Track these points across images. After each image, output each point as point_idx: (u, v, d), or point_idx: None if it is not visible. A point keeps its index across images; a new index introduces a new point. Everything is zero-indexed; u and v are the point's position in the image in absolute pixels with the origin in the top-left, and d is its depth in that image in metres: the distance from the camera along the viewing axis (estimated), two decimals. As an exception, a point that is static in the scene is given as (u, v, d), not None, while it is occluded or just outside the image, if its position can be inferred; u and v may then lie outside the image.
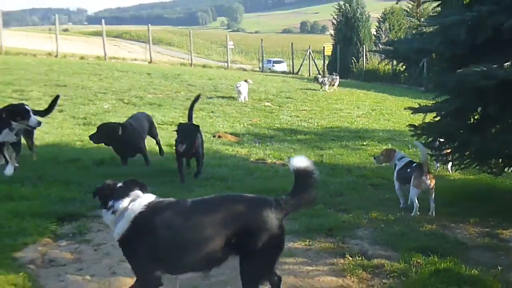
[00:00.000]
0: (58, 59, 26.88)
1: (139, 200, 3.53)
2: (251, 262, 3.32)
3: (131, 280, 4.25)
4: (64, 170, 7.69)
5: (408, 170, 6.61)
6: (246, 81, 17.85)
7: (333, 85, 23.05)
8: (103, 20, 38.02)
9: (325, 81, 22.94)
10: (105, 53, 30.30)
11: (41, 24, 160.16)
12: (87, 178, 7.30)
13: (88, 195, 6.47)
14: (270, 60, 49.44)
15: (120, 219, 3.47)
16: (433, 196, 6.50)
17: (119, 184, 3.67)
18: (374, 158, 7.68)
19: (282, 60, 51.43)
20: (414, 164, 6.72)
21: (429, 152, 7.82)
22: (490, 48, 5.57)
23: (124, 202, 3.50)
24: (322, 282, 4.41)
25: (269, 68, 44.88)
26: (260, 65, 42.62)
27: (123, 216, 3.47)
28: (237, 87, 17.12)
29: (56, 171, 7.52)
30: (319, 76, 25.35)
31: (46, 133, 10.52)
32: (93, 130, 10.98)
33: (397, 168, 6.87)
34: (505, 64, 5.21)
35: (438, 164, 9.24)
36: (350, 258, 4.83)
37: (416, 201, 6.46)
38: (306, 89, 22.20)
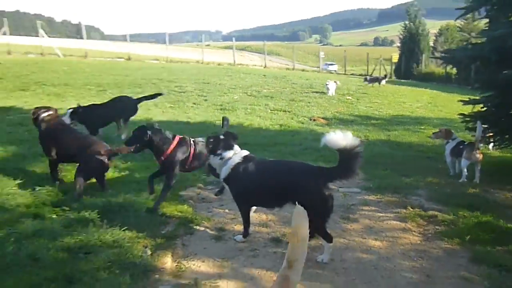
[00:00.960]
0: (204, 65, 27.90)
1: (239, 154, 3.78)
2: None
3: (256, 215, 4.42)
4: (209, 139, 8.02)
5: (461, 146, 6.24)
6: (335, 82, 17.34)
7: (380, 83, 21.73)
8: (233, 38, 39.05)
9: (369, 80, 21.88)
10: (234, 61, 31.01)
11: (192, 41, 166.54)
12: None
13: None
14: (326, 63, 48.73)
15: (224, 165, 3.74)
16: (480, 167, 6.10)
17: (221, 137, 3.90)
18: (433, 133, 7.20)
19: (334, 63, 50.89)
20: (466, 142, 6.34)
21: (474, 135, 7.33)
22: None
23: (229, 153, 3.76)
24: (389, 224, 4.34)
25: (325, 69, 43.79)
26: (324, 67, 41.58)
27: (226, 163, 3.74)
28: (326, 84, 16.85)
29: (204, 140, 7.87)
30: (367, 76, 23.80)
31: (197, 114, 11.02)
32: (228, 113, 11.43)
33: (451, 145, 6.46)
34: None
35: (482, 144, 8.58)
36: (411, 209, 4.69)
37: (465, 170, 6.10)
38: (376, 88, 21.34)
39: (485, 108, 6.59)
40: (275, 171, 3.72)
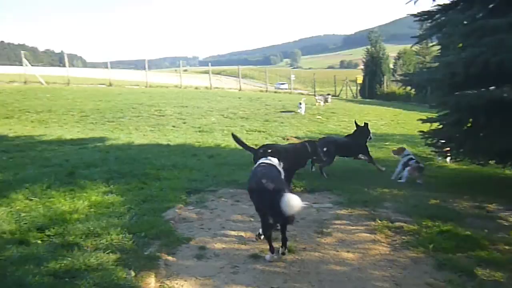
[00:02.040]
0: (182, 89, 27.86)
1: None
2: None
3: (234, 233, 4.43)
4: (189, 160, 7.98)
5: (410, 162, 7.10)
6: (327, 95, 18.24)
7: (327, 102, 21.28)
8: (209, 63, 39.06)
9: (320, 99, 21.16)
10: (210, 85, 31.04)
11: (170, 67, 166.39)
12: (202, 166, 7.57)
13: (205, 177, 6.74)
14: (278, 83, 52.93)
15: None
16: (420, 180, 7.02)
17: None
18: (392, 151, 8.10)
19: (285, 82, 53.46)
20: (414, 160, 7.16)
21: (434, 149, 7.58)
22: (480, 77, 5.30)
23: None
24: (360, 237, 4.39)
25: (278, 88, 46.29)
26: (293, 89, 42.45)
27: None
28: (299, 104, 17.34)
29: (184, 161, 7.82)
30: (317, 96, 23.17)
31: (176, 137, 10.98)
32: (206, 135, 11.43)
33: (403, 160, 7.30)
34: (490, 88, 4.95)
35: (440, 158, 8.88)
36: (380, 221, 4.75)
37: (404, 180, 7.04)
38: (343, 108, 21.77)
39: (441, 126, 6.83)
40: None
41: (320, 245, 4.14)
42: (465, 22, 5.89)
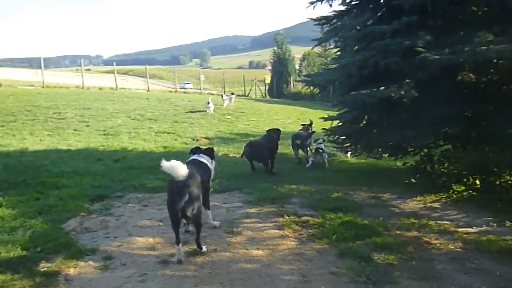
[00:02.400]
0: (84, 90, 26.03)
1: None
2: None
3: (142, 239, 4.26)
4: (92, 166, 7.50)
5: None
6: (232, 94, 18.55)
7: (231, 102, 21.16)
8: (114, 63, 37.19)
9: (226, 98, 20.89)
10: (116, 85, 29.50)
11: (71, 66, 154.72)
12: (108, 171, 7.17)
13: (110, 183, 6.39)
14: (184, 82, 52.56)
15: None
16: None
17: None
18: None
19: (189, 82, 54.51)
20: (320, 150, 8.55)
21: (335, 146, 8.11)
22: (372, 78, 5.78)
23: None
24: (269, 233, 4.51)
25: (183, 87, 46.77)
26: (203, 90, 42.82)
27: None
28: (208, 103, 17.41)
29: (87, 167, 7.33)
30: (222, 94, 22.93)
31: (78, 141, 10.23)
32: (111, 139, 10.83)
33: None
34: (381, 88, 5.43)
35: (342, 153, 9.53)
36: (287, 217, 4.94)
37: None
38: (252, 107, 22.27)
39: (340, 124, 7.32)
40: None
41: (230, 245, 4.17)
42: (358, 28, 6.39)
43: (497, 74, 5.95)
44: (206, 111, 17.11)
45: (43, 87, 25.14)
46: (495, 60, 5.59)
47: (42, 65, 27.24)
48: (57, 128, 11.99)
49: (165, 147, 10.07)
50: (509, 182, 5.85)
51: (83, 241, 4.15)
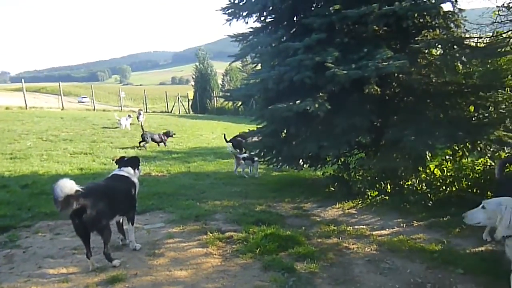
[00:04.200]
0: (-14, 110, 23.63)
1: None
2: None
3: (54, 271, 3.93)
4: (-6, 195, 6.76)
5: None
6: (128, 116, 18.30)
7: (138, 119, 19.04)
8: (22, 80, 34.28)
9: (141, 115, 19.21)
10: (26, 104, 27.13)
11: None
12: (15, 198, 6.54)
13: (17, 211, 5.83)
14: (81, 97, 51.17)
15: None
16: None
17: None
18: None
19: (86, 96, 51.22)
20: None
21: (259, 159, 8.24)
22: (288, 92, 5.98)
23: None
24: (193, 252, 4.41)
25: (80, 101, 46.76)
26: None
27: None
28: (118, 120, 17.67)
29: (-12, 196, 6.60)
30: (137, 112, 20.50)
31: (-21, 167, 9.20)
32: (20, 162, 9.92)
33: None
34: (297, 102, 5.63)
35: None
36: (211, 234, 4.88)
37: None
38: (176, 123, 21.91)
39: (261, 137, 7.46)
40: None
41: (152, 268, 4.00)
42: (273, 44, 6.60)
43: (398, 87, 6.51)
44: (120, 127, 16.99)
45: None
46: (396, 74, 6.14)
47: None
48: (-50, 154, 10.70)
49: (81, 169, 9.44)
50: (414, 185, 6.37)
51: (-18, 280, 3.70)
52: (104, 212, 3.88)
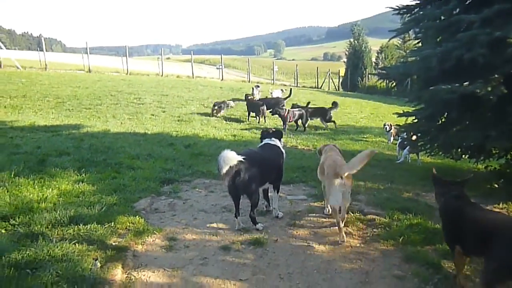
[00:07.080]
0: (163, 78, 27.41)
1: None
2: None
3: (207, 223, 4.39)
4: (165, 150, 7.85)
5: (405, 142, 8.25)
6: (281, 90, 19.12)
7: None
8: (191, 52, 38.56)
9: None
10: (193, 74, 30.64)
11: (152, 54, 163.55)
12: (179, 156, 7.46)
13: (180, 167, 6.64)
14: (218, 65, 47.48)
15: None
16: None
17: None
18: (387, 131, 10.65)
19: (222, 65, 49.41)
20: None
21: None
22: (454, 72, 5.33)
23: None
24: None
25: (218, 68, 42.87)
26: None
27: None
28: (270, 93, 18.72)
29: (160, 151, 7.69)
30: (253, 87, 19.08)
31: (154, 126, 10.79)
32: (185, 125, 11.30)
33: (400, 140, 8.89)
34: (464, 83, 4.99)
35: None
36: (352, 214, 4.77)
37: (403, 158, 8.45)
38: (324, 100, 21.81)
39: (416, 120, 6.87)
40: None
41: (291, 237, 4.14)
42: (442, 17, 5.90)
43: None
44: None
45: (126, 74, 26.94)
46: None
47: (127, 53, 29.06)
48: (136, 112, 12.78)
49: (234, 135, 10.25)
50: None
51: (151, 221, 4.37)
52: (255, 178, 4.13)
